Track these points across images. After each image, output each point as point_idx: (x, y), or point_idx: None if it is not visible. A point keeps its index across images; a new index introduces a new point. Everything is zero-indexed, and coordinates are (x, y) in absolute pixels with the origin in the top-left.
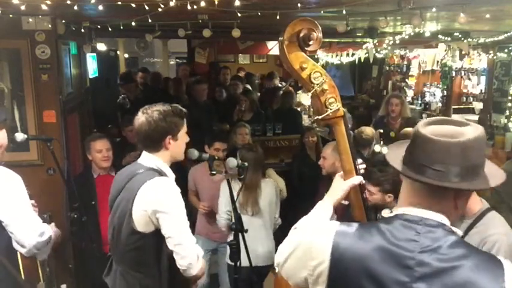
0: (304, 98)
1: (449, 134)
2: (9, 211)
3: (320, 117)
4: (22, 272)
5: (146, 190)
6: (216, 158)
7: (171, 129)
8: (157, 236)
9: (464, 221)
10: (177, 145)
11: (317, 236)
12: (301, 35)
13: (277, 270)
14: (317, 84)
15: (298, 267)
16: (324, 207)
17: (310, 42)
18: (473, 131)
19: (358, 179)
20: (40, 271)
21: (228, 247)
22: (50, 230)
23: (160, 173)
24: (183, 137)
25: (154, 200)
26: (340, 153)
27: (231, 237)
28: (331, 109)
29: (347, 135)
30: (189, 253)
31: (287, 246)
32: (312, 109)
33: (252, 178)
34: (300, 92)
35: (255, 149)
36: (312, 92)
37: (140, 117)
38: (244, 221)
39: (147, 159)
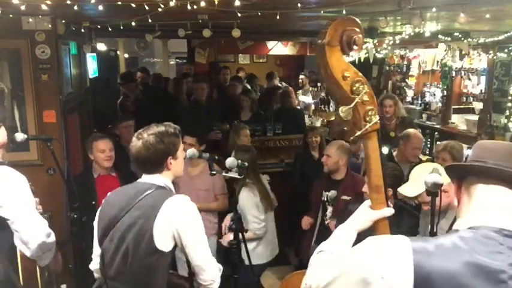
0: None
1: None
2: (16, 209)
3: (359, 133)
4: (21, 276)
5: (168, 208)
6: (216, 158)
7: (170, 150)
8: (171, 255)
9: None
10: (177, 163)
11: (383, 260)
12: (345, 37)
13: None
14: (358, 96)
15: None
16: (348, 233)
17: (355, 47)
18: None
19: (389, 212)
20: (39, 276)
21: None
22: (54, 235)
23: (171, 191)
24: (181, 154)
25: (178, 218)
26: (369, 169)
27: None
28: (370, 122)
29: (379, 149)
30: (213, 268)
31: (324, 270)
32: (312, 109)
33: (257, 177)
34: (299, 92)
35: (251, 150)
36: (353, 105)
37: (136, 143)
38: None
39: (150, 178)
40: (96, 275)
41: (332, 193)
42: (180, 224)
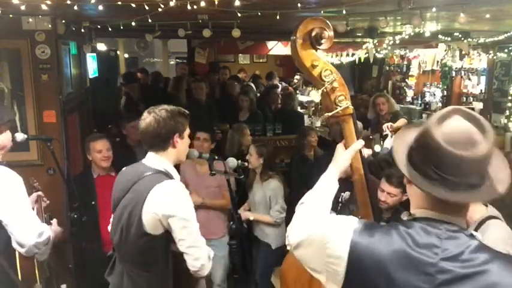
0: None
1: (463, 142)
2: (9, 211)
3: (330, 114)
4: (19, 273)
5: (156, 194)
6: (216, 158)
7: (178, 128)
8: (165, 238)
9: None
10: (183, 144)
11: (334, 232)
12: (314, 33)
13: (288, 248)
14: (327, 82)
15: (312, 258)
16: (329, 179)
17: (322, 41)
18: (486, 138)
19: (359, 144)
20: (37, 272)
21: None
22: (49, 230)
23: (168, 175)
24: (187, 137)
25: (165, 204)
26: (347, 147)
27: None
28: (340, 106)
29: (356, 133)
30: (201, 254)
31: (299, 230)
32: (312, 108)
33: (277, 169)
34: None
35: (268, 144)
36: (322, 89)
37: (147, 117)
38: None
39: (153, 160)
40: None
41: (346, 194)
42: (167, 210)
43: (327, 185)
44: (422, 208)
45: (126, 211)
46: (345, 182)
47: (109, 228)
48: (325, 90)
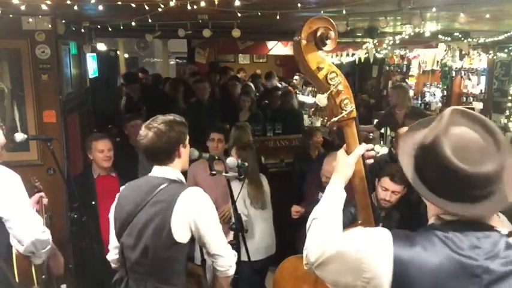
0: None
1: (473, 157)
2: (10, 206)
3: (336, 118)
4: (16, 275)
5: (184, 201)
6: (216, 157)
7: (180, 138)
8: (190, 245)
9: None
10: (186, 152)
11: (367, 247)
12: (319, 34)
13: (305, 268)
14: (333, 85)
15: (341, 275)
16: (335, 190)
17: (327, 42)
18: (498, 149)
19: (362, 148)
20: (34, 275)
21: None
22: (49, 233)
23: (183, 184)
24: (187, 144)
25: (194, 210)
26: (349, 151)
27: (230, 237)
28: (345, 110)
29: (358, 137)
30: (230, 255)
31: (320, 247)
32: (312, 109)
33: (253, 173)
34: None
35: (250, 146)
36: (328, 93)
37: (147, 133)
38: (253, 215)
39: (163, 171)
40: (113, 265)
41: None
42: (197, 216)
43: (335, 196)
44: (447, 213)
45: (150, 225)
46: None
47: (111, 254)
48: (330, 93)
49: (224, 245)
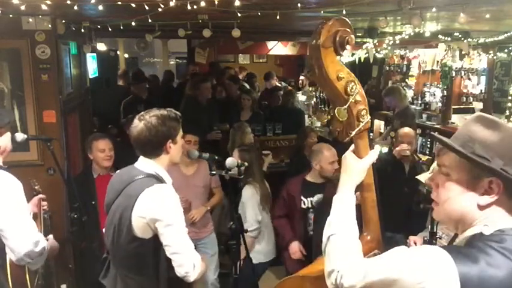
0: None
1: None
2: (5, 217)
3: (353, 133)
4: (10, 281)
5: (145, 198)
6: (216, 157)
7: (170, 134)
8: (155, 242)
9: None
10: (176, 148)
11: (432, 275)
12: (338, 37)
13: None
14: (352, 96)
15: None
16: (346, 198)
17: (348, 47)
18: None
19: (375, 154)
20: (28, 281)
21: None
22: (44, 241)
23: (159, 179)
24: (180, 140)
25: (153, 208)
26: None
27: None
28: (362, 122)
29: (370, 146)
30: (186, 262)
31: (358, 270)
32: (312, 109)
33: (259, 175)
34: (299, 92)
35: (253, 148)
36: (347, 105)
37: (138, 125)
38: (265, 219)
39: (145, 164)
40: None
41: (317, 197)
42: (154, 215)
43: (347, 206)
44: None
45: (117, 214)
46: (317, 185)
47: (103, 230)
48: (349, 106)
49: (181, 251)
